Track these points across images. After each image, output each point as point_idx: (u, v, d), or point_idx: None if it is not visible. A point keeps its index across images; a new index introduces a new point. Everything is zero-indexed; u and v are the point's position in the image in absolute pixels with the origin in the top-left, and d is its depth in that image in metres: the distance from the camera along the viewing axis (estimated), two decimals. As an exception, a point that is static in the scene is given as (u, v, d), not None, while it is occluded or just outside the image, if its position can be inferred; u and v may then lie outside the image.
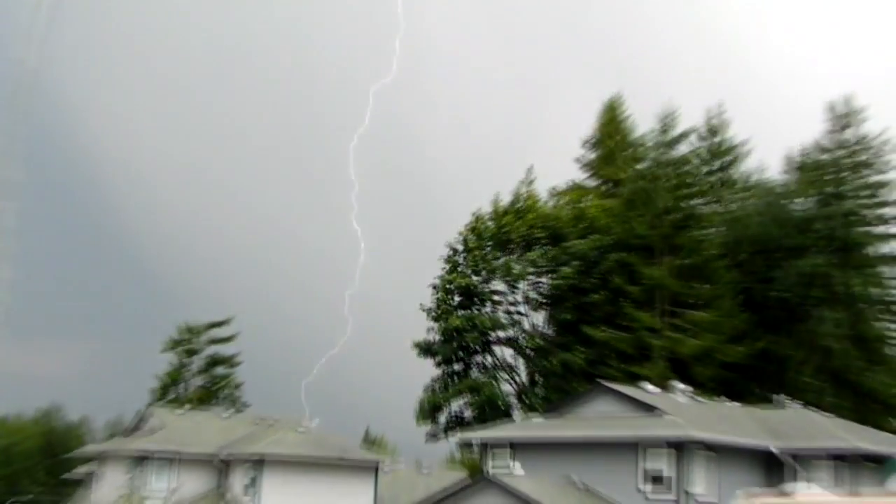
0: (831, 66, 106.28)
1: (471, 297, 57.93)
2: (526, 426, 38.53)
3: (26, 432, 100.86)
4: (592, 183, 63.13)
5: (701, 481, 30.81)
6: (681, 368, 48.05)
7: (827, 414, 38.49)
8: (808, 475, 30.76)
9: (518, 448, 34.58)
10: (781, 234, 52.48)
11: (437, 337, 57.74)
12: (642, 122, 60.51)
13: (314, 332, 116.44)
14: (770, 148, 58.63)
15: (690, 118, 57.63)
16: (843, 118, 54.07)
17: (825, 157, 54.11)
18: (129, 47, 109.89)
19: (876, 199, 53.36)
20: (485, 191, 64.24)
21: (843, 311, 49.83)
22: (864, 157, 53.53)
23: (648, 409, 33.25)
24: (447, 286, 58.03)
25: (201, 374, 70.97)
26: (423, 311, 58.40)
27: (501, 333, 58.35)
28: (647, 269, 52.46)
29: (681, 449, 30.65)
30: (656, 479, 30.99)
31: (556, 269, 55.75)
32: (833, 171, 53.34)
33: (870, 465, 31.22)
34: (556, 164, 64.93)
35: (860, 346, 49.92)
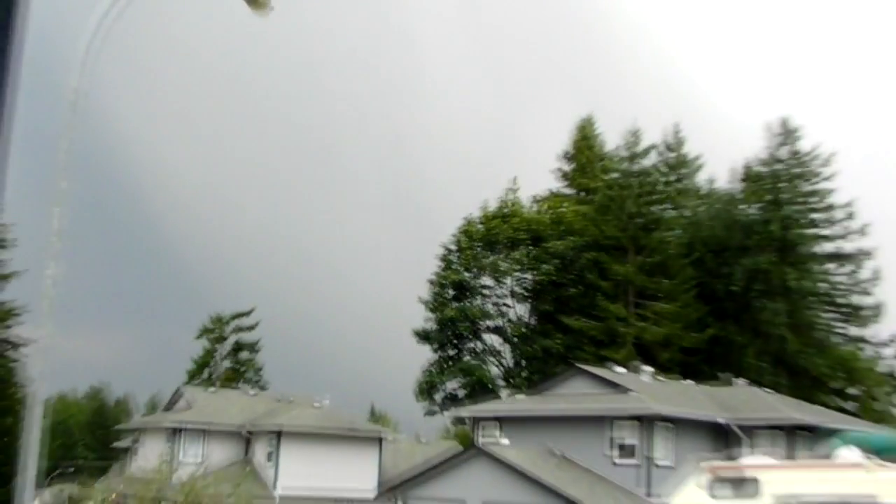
0: (772, 90, 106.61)
1: (463, 290, 57.87)
2: (511, 403, 38.49)
3: (77, 408, 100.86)
4: (569, 191, 63.03)
5: (662, 449, 30.83)
6: (645, 352, 48.07)
7: (769, 391, 38.58)
8: (753, 443, 30.79)
9: (504, 422, 34.56)
10: (731, 236, 52.70)
11: (434, 326, 57.68)
12: (612, 139, 60.67)
13: (325, 322, 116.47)
14: (721, 161, 58.88)
15: (653, 135, 57.82)
16: (783, 136, 54.33)
17: (768, 169, 54.36)
18: (162, 69, 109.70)
19: (811, 206, 53.65)
20: (475, 198, 64.25)
21: (783, 302, 50.01)
22: (800, 170, 53.78)
23: (617, 387, 33.24)
24: (442, 281, 57.96)
25: (228, 358, 70.83)
26: (422, 303, 58.37)
27: (490, 323, 58.32)
28: (617, 267, 52.48)
29: (644, 422, 30.66)
30: (623, 448, 30.99)
31: (538, 266, 55.73)
32: (775, 181, 53.54)
33: (806, 435, 31.29)
34: (538, 175, 64.84)
35: (798, 333, 50.10)
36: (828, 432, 27.32)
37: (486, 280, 58.27)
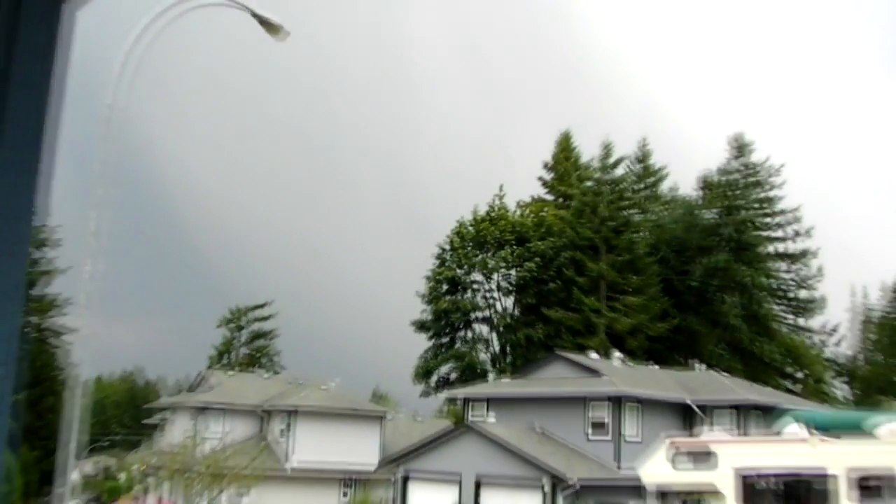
0: (729, 106, 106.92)
1: (456, 285, 57.79)
2: (498, 386, 38.50)
3: (114, 388, 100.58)
4: (550, 197, 63.07)
5: (632, 427, 30.83)
6: (617, 341, 48.08)
7: (726, 374, 38.64)
8: (713, 422, 30.81)
9: (492, 402, 34.53)
10: (692, 238, 52.79)
11: (430, 317, 57.60)
12: (588, 151, 60.84)
13: (333, 313, 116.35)
14: (683, 171, 59.12)
15: (624, 148, 58.02)
16: (737, 149, 54.49)
17: (724, 178, 54.50)
18: (188, 86, 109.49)
19: (765, 211, 53.83)
20: (467, 204, 64.34)
21: (738, 296, 50.16)
22: (756, 178, 53.93)
23: (591, 371, 33.24)
24: (437, 277, 57.87)
25: (246, 345, 70.68)
26: (419, 296, 58.32)
27: (479, 314, 58.25)
28: (591, 264, 52.49)
29: (617, 402, 30.66)
30: (598, 426, 30.99)
31: (522, 264, 55.68)
32: (733, 188, 53.67)
33: (760, 414, 31.35)
34: (522, 183, 65.00)
35: (753, 323, 50.24)
36: (778, 411, 27.39)
37: (476, 276, 58.21)
